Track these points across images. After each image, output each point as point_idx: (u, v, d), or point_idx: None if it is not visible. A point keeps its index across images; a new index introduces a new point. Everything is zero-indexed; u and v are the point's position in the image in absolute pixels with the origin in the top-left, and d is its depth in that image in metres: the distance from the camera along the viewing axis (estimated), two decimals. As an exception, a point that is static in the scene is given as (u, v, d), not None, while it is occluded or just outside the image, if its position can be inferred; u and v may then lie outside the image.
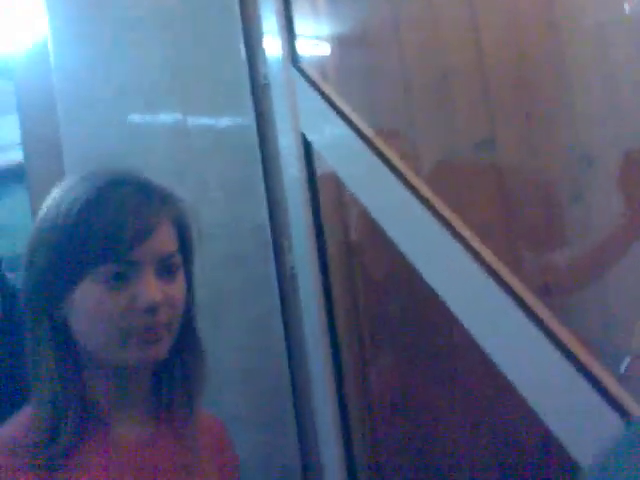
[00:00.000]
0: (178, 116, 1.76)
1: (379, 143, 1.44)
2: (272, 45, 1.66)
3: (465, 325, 1.21)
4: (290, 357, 1.59)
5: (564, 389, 1.09)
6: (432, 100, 1.43)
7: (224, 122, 1.74)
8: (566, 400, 1.09)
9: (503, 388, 1.14)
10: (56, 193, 1.00)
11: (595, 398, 1.04)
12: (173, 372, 1.04)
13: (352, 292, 1.53)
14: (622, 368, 1.06)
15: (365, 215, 1.43)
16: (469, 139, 1.38)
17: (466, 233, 1.27)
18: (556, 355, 1.10)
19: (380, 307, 1.49)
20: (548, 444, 1.08)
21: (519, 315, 1.15)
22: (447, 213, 1.30)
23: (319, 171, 1.58)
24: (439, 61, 1.40)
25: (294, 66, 1.61)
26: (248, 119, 1.71)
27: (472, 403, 1.30)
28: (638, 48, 1.12)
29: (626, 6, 1.18)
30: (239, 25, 1.73)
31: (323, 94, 1.55)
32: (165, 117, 1.77)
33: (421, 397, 1.39)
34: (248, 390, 1.58)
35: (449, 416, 1.33)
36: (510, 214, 1.30)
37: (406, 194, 1.36)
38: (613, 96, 1.16)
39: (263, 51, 1.69)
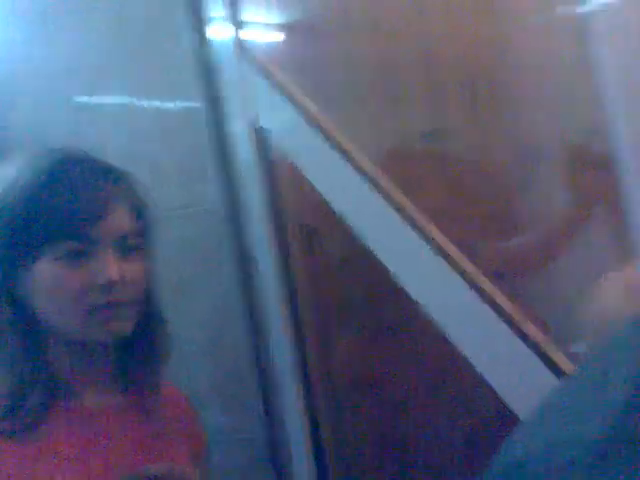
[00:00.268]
0: (126, 98, 1.74)
1: (331, 129, 1.47)
2: (221, 30, 1.66)
3: (421, 304, 1.25)
4: (254, 334, 1.60)
5: (511, 360, 1.15)
6: (381, 90, 1.45)
7: (175, 106, 1.73)
8: (513, 369, 1.16)
9: (460, 361, 1.19)
10: (6, 172, 1.00)
11: (539, 365, 1.11)
12: (137, 347, 1.04)
13: (314, 272, 1.55)
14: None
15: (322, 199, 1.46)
16: (418, 129, 1.42)
17: (420, 219, 1.31)
18: (502, 327, 1.16)
19: (341, 287, 1.51)
20: (503, 411, 1.13)
21: (471, 294, 1.20)
22: (402, 199, 1.34)
23: (277, 155, 1.59)
24: (388, 51, 1.43)
25: (243, 52, 1.62)
26: (199, 104, 1.71)
27: (431, 376, 1.34)
28: (585, 45, 1.16)
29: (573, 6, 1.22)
30: (189, 9, 1.73)
31: (273, 80, 1.56)
32: (112, 99, 1.76)
33: (383, 372, 1.42)
34: (212, 367, 1.59)
35: (409, 389, 1.37)
36: (462, 202, 1.34)
37: (360, 180, 1.39)
38: (561, 92, 1.21)
39: (212, 36, 1.68)
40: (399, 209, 1.33)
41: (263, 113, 1.59)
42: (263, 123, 1.59)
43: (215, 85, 1.68)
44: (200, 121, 1.69)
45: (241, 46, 1.63)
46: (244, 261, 1.62)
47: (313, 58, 1.57)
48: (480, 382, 1.16)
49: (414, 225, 1.30)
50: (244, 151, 1.63)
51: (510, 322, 1.17)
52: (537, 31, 1.24)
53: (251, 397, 1.58)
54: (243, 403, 1.58)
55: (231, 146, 1.66)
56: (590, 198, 1.17)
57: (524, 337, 1.14)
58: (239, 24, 1.63)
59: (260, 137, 1.61)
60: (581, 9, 1.07)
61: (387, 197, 1.35)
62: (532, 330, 1.16)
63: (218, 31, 1.67)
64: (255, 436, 1.57)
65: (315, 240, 1.57)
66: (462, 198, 1.34)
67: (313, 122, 1.48)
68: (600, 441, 0.38)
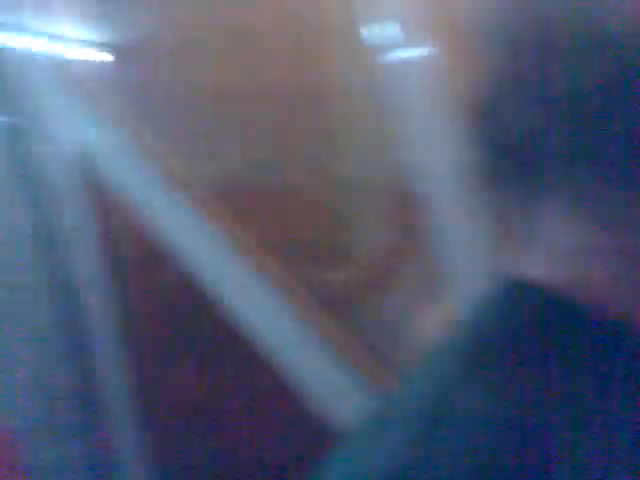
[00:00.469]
0: None
1: (156, 154, 1.45)
2: (33, 45, 1.58)
3: (253, 331, 1.29)
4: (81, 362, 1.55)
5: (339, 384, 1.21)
6: (210, 119, 1.45)
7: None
8: (341, 394, 1.21)
9: (287, 387, 1.22)
10: None
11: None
12: None
13: (147, 301, 1.52)
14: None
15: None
16: (249, 160, 1.43)
17: (251, 249, 1.33)
18: (330, 354, 1.21)
19: (171, 314, 1.50)
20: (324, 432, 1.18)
21: (302, 323, 1.26)
22: (231, 229, 1.35)
23: (97, 179, 1.54)
24: (217, 82, 1.43)
25: (59, 71, 1.55)
26: (9, 121, 1.61)
27: (257, 399, 1.36)
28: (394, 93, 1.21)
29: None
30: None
31: (94, 101, 1.52)
32: None
33: (214, 398, 1.43)
34: (40, 401, 1.51)
35: (238, 413, 1.39)
36: (293, 234, 1.38)
37: (187, 208, 1.38)
38: (375, 132, 1.27)
39: (25, 52, 1.60)
40: (229, 238, 1.35)
41: (83, 135, 1.54)
42: (81, 145, 1.54)
43: (31, 104, 1.60)
44: (11, 140, 1.59)
45: (58, 65, 1.56)
46: (64, 286, 1.56)
47: (141, 81, 1.54)
48: (306, 407, 1.20)
49: (243, 253, 1.33)
50: (59, 173, 1.56)
51: (338, 348, 1.22)
52: (350, 73, 1.29)
53: (83, 427, 1.53)
54: (76, 433, 1.52)
55: (45, 167, 1.58)
56: (408, 233, 1.24)
57: (352, 364, 1.20)
58: (53, 39, 1.56)
59: (79, 160, 1.55)
60: (392, 57, 1.12)
61: (217, 226, 1.36)
62: (361, 357, 1.22)
63: (30, 45, 1.58)
64: (91, 464, 1.52)
65: (143, 267, 1.54)
66: (292, 229, 1.38)
67: (136, 146, 1.45)
68: (385, 476, 0.39)
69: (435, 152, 0.98)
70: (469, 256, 0.90)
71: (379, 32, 1.05)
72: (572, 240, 0.43)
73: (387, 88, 1.03)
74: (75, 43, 1.62)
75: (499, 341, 0.43)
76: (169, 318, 1.50)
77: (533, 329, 0.43)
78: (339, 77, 1.30)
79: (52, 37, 1.57)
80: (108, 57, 1.63)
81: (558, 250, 0.44)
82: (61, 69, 1.55)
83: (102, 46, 1.63)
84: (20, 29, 1.59)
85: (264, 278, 1.31)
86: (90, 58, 1.65)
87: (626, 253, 0.42)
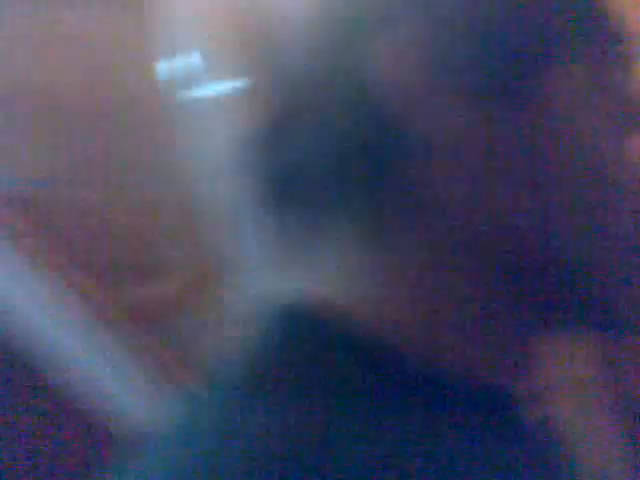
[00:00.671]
0: None
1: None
2: None
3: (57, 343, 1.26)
4: None
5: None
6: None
7: None
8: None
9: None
10: None
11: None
12: None
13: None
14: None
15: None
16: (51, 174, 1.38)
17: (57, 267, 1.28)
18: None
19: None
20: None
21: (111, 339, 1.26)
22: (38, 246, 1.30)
23: None
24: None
25: None
26: None
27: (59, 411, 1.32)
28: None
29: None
30: None
31: None
32: None
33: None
34: None
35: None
36: (98, 251, 1.35)
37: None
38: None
39: None
40: (35, 255, 1.30)
41: None
42: None
43: None
44: None
45: None
46: None
47: None
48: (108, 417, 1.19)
49: (50, 270, 1.30)
50: None
51: (147, 360, 1.23)
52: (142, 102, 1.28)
53: None
54: None
55: None
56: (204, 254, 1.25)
57: (161, 376, 1.20)
58: None
59: None
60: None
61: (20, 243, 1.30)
62: (170, 369, 1.22)
63: None
64: None
65: None
66: (102, 246, 1.36)
67: None
68: None
69: (226, 177, 0.99)
70: (257, 278, 0.92)
71: (173, 65, 1.05)
72: (349, 262, 0.47)
73: (181, 118, 1.03)
74: None
75: (277, 366, 0.44)
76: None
77: (311, 351, 0.44)
78: (131, 105, 1.29)
79: None
80: None
81: (336, 272, 0.47)
82: None
83: None
84: None
85: (71, 294, 1.28)
86: None
87: (396, 273, 0.46)
